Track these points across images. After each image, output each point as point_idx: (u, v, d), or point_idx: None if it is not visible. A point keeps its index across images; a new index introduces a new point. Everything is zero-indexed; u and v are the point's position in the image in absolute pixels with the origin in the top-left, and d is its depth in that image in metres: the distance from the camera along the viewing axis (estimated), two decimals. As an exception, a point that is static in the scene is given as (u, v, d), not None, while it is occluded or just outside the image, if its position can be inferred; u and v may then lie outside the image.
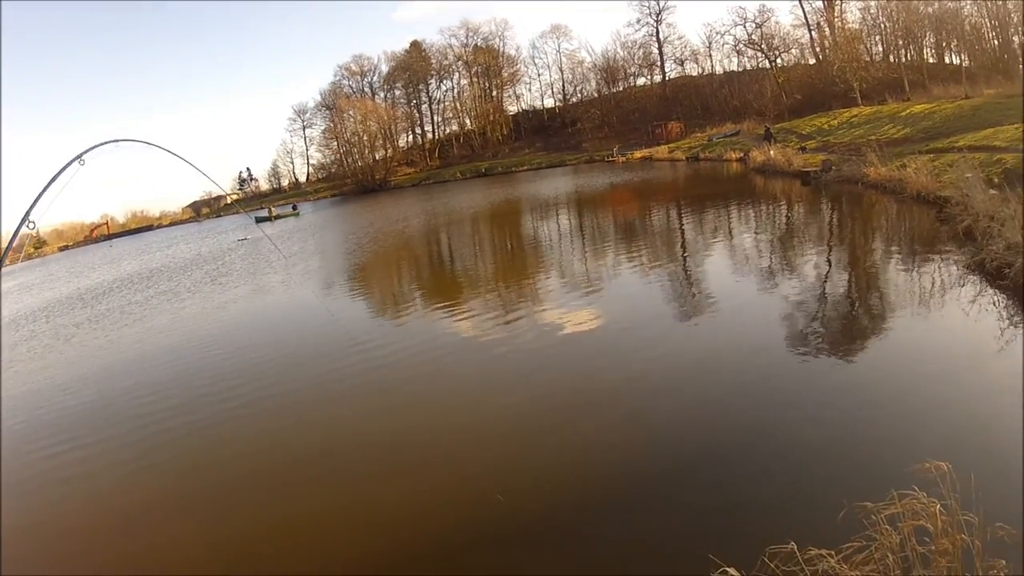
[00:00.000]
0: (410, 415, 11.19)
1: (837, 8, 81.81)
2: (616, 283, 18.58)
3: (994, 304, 11.87)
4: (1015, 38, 64.52)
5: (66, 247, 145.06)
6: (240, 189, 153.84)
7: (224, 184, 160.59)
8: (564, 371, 11.96)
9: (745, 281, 16.31)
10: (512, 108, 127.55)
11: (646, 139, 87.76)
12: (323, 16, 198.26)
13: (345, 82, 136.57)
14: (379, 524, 7.96)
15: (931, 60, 76.10)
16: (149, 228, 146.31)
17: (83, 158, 6.93)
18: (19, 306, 40.02)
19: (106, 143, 7.42)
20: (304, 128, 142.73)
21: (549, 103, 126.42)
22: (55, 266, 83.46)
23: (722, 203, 31.51)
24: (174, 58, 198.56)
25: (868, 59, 70.62)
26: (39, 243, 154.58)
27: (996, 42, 66.72)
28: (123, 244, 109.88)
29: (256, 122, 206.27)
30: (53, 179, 6.01)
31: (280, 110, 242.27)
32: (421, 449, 9.80)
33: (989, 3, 64.95)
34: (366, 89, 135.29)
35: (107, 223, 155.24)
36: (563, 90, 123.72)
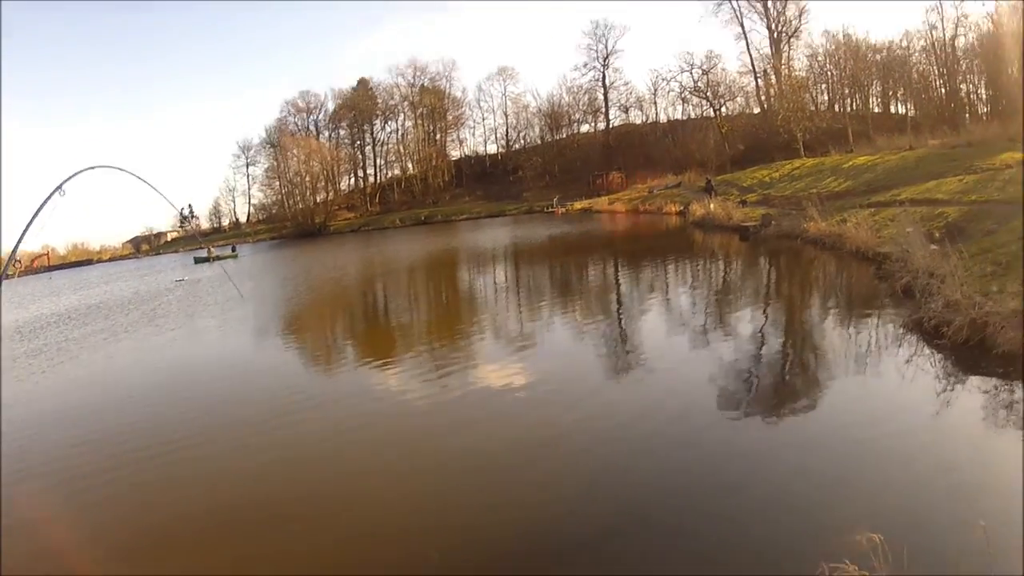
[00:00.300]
0: (337, 470, 11.06)
1: (784, 55, 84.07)
2: (549, 340, 18.51)
3: (931, 364, 11.88)
4: (962, 86, 67.11)
5: (6, 276, 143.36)
6: (181, 227, 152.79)
7: (165, 221, 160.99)
8: (491, 430, 11.84)
9: (678, 340, 16.31)
10: (455, 153, 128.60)
11: (587, 189, 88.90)
12: (276, 51, 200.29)
13: (291, 118, 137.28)
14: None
15: (877, 109, 79.00)
16: (89, 262, 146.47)
17: (63, 188, 7.04)
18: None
19: (83, 171, 7.72)
20: (248, 165, 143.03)
21: (492, 148, 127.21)
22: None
23: (659, 258, 31.74)
24: (120, 80, 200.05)
25: (813, 108, 71.91)
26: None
27: (943, 90, 68.86)
28: (62, 277, 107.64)
29: (202, 155, 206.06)
30: (36, 213, 6.24)
31: (226, 145, 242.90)
32: (349, 505, 9.62)
33: (938, 48, 67.40)
34: (311, 127, 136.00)
35: (47, 254, 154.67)
36: (507, 135, 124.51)
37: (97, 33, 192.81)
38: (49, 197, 6.78)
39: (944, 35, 69.81)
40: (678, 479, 8.80)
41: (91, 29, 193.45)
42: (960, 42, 68.08)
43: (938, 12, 70.27)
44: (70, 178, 7.91)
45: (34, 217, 6.13)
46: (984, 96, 66.78)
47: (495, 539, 8.10)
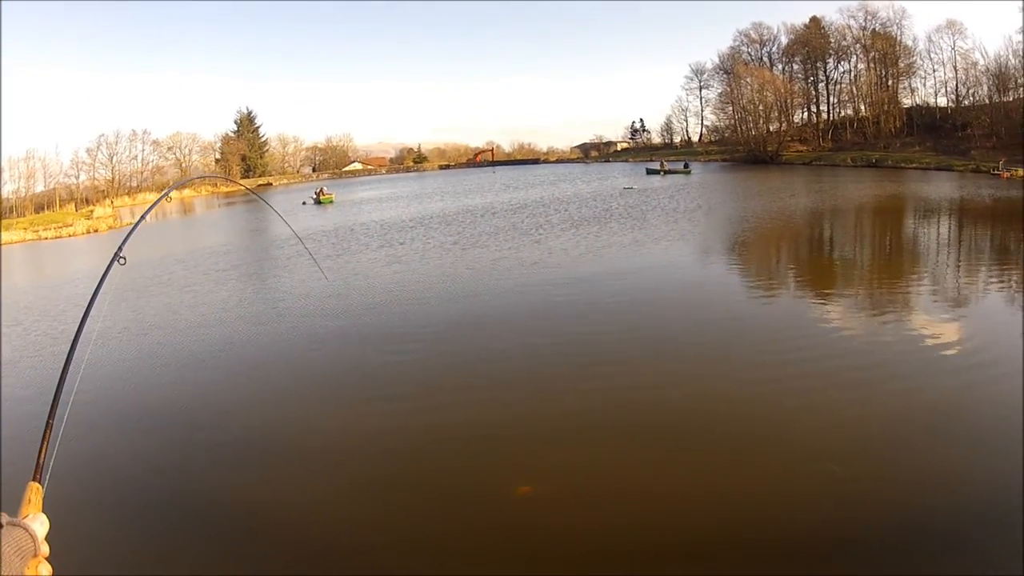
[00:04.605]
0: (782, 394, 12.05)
1: None
2: (981, 305, 18.48)
3: None
4: None
5: (447, 166, 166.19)
6: (631, 139, 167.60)
7: (616, 132, 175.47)
8: (911, 387, 12.27)
9: None
10: (906, 101, 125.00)
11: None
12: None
13: (744, 48, 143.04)
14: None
15: None
16: (535, 161, 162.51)
17: (171, 196, 8.14)
18: (405, 213, 50.44)
19: (193, 179, 10.20)
20: (700, 88, 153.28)
21: (942, 102, 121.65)
22: (437, 181, 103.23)
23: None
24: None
25: None
26: (419, 158, 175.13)
27: None
28: (505, 172, 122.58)
29: (652, 76, 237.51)
30: (146, 213, 6.02)
31: (677, 68, 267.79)
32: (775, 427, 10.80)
33: None
34: (764, 58, 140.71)
35: (492, 150, 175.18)
36: (956, 90, 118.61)
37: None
38: (160, 199, 6.84)
39: None
40: None
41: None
42: None
43: None
44: (176, 186, 9.41)
45: (141, 219, 5.73)
46: None
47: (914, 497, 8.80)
